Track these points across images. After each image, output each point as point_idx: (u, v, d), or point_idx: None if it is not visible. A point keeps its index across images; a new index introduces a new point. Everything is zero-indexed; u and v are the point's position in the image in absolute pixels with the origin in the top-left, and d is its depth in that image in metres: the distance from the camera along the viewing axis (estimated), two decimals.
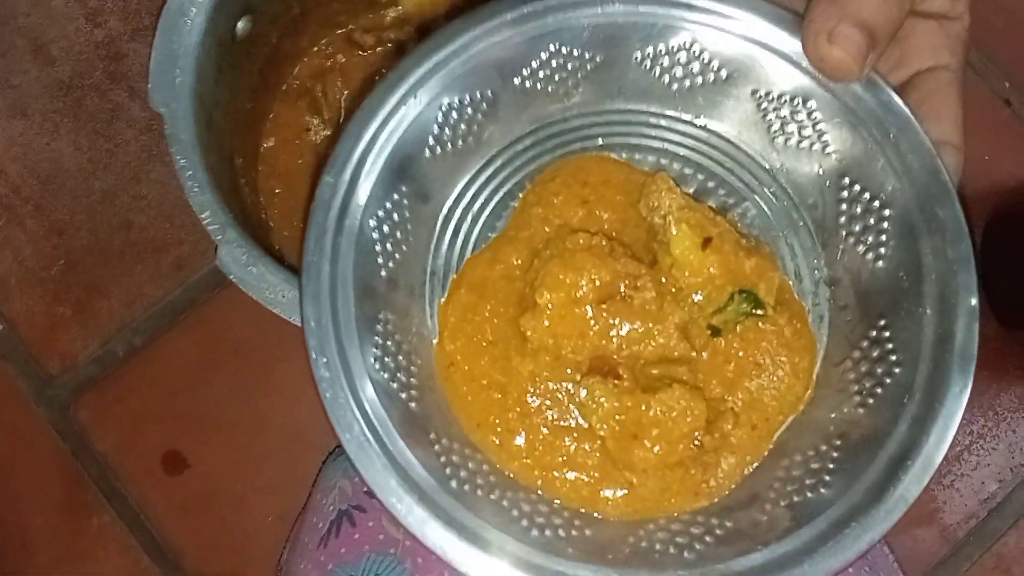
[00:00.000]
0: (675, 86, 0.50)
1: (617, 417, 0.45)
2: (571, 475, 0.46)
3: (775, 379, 0.47)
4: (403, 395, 0.45)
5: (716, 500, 0.46)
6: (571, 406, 0.47)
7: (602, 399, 0.45)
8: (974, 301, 0.43)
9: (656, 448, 0.44)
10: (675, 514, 0.46)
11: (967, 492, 0.86)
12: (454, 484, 0.43)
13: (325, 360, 0.43)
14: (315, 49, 0.79)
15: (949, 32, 0.48)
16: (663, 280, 0.47)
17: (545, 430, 0.46)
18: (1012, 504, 0.85)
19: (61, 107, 0.87)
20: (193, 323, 0.85)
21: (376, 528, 0.59)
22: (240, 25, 0.66)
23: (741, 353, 0.47)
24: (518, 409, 0.47)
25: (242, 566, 0.83)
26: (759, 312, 0.47)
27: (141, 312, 0.85)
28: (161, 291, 0.85)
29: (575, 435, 0.46)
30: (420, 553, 0.58)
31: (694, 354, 0.47)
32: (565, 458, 0.46)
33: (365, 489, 0.62)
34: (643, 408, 0.45)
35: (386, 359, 0.45)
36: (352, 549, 0.58)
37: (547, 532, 0.44)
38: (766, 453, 0.47)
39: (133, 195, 0.86)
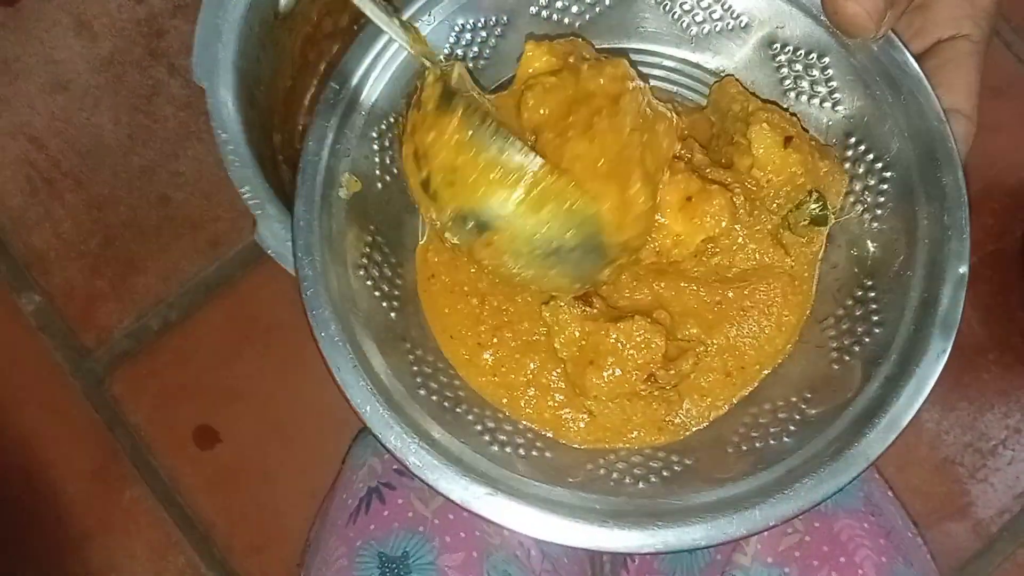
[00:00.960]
0: (693, 30, 0.49)
1: (580, 342, 0.45)
2: (535, 397, 0.46)
3: (757, 329, 0.47)
4: (384, 304, 0.45)
5: (680, 438, 0.46)
6: (542, 327, 0.47)
7: (567, 322, 0.45)
8: (963, 269, 0.42)
9: (608, 375, 0.44)
10: (637, 447, 0.46)
11: (1001, 487, 0.85)
12: (422, 392, 0.44)
13: (310, 259, 0.43)
14: (355, 28, 0.79)
15: (975, 3, 0.47)
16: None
17: (514, 347, 0.47)
18: None
19: (102, 83, 0.87)
20: (227, 299, 0.86)
21: (405, 506, 0.59)
22: (283, 2, 0.66)
23: (731, 295, 0.47)
24: (491, 322, 0.47)
25: (271, 541, 0.84)
26: (824, 215, 0.46)
27: (176, 287, 0.86)
28: (196, 267, 0.86)
29: (543, 357, 0.47)
30: (449, 531, 0.58)
31: (788, 260, 0.46)
32: (530, 378, 0.46)
33: (395, 467, 0.62)
34: (603, 335, 0.44)
35: (371, 268, 0.45)
36: (381, 526, 0.58)
37: (507, 449, 0.44)
38: (736, 400, 0.47)
39: (171, 171, 0.87)
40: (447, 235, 0.43)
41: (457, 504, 0.41)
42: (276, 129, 0.71)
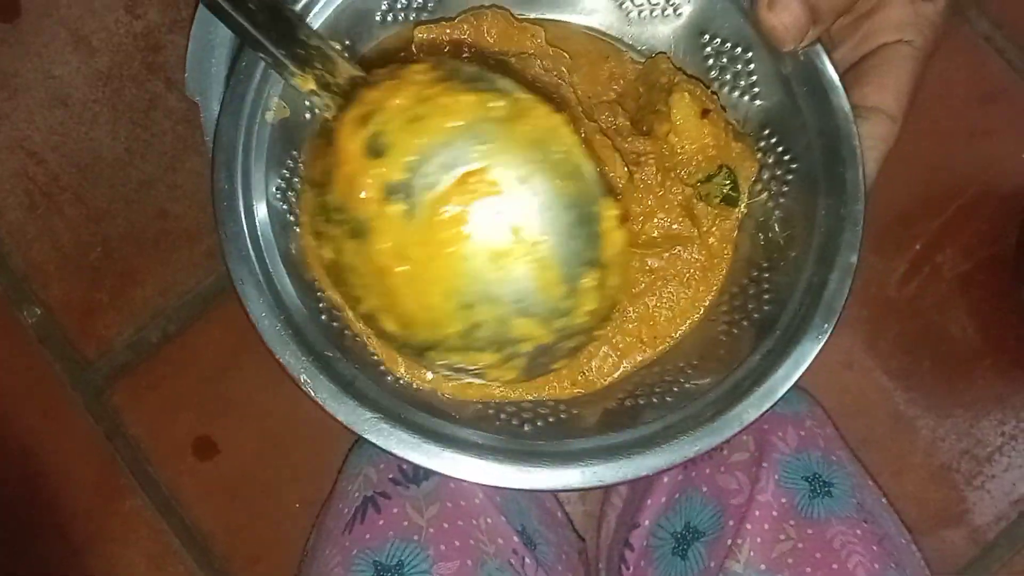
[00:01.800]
0: (632, 13, 0.52)
1: None
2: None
3: (674, 300, 0.49)
4: (295, 230, 0.46)
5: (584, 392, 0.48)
6: None
7: None
8: (854, 259, 0.45)
9: None
10: (544, 397, 0.48)
11: (997, 493, 0.85)
12: (324, 318, 0.45)
13: (226, 173, 0.44)
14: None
15: (920, 12, 0.49)
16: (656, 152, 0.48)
17: None
18: None
19: (100, 97, 0.88)
20: (225, 312, 0.87)
21: (400, 515, 0.60)
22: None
23: (654, 264, 0.49)
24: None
25: (269, 551, 0.84)
26: (735, 196, 0.49)
27: (175, 300, 0.86)
28: (194, 279, 0.87)
29: None
30: (444, 540, 0.58)
31: (695, 231, 0.48)
32: None
33: (391, 476, 0.63)
34: None
35: (289, 192, 0.46)
36: (376, 535, 0.59)
37: (401, 381, 0.46)
38: (639, 363, 0.49)
39: (169, 184, 0.87)
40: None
41: (344, 425, 0.42)
42: None
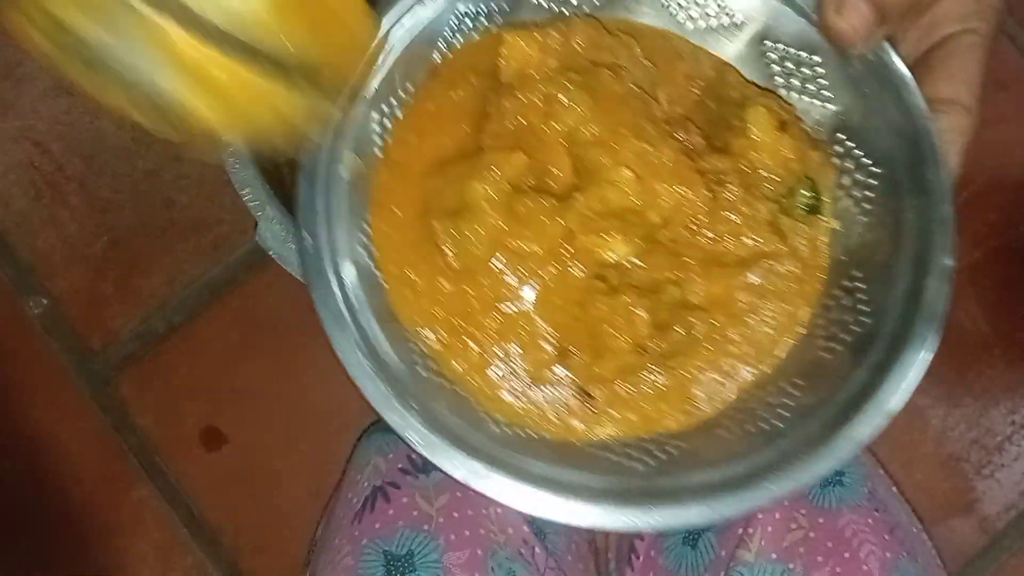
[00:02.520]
0: (689, 25, 0.50)
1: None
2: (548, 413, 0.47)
3: (773, 316, 0.48)
4: (384, 283, 0.46)
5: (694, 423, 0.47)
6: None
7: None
8: (949, 262, 0.43)
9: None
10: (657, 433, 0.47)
11: (1007, 483, 0.85)
12: (422, 372, 0.44)
13: (309, 234, 0.43)
14: None
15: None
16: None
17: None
18: None
19: None
20: (231, 301, 0.86)
21: (410, 504, 0.60)
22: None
23: (755, 282, 0.48)
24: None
25: (277, 541, 0.84)
26: (818, 205, 0.47)
27: (181, 290, 0.86)
28: (200, 269, 0.87)
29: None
30: (454, 530, 0.58)
31: (783, 247, 0.47)
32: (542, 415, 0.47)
33: (400, 466, 0.63)
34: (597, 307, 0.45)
35: (372, 247, 0.46)
36: (386, 524, 0.59)
37: (505, 429, 0.45)
38: (746, 386, 0.48)
39: (175, 174, 0.87)
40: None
41: (458, 481, 0.41)
42: None
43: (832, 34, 0.46)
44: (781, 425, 0.44)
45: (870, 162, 0.47)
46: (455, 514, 0.59)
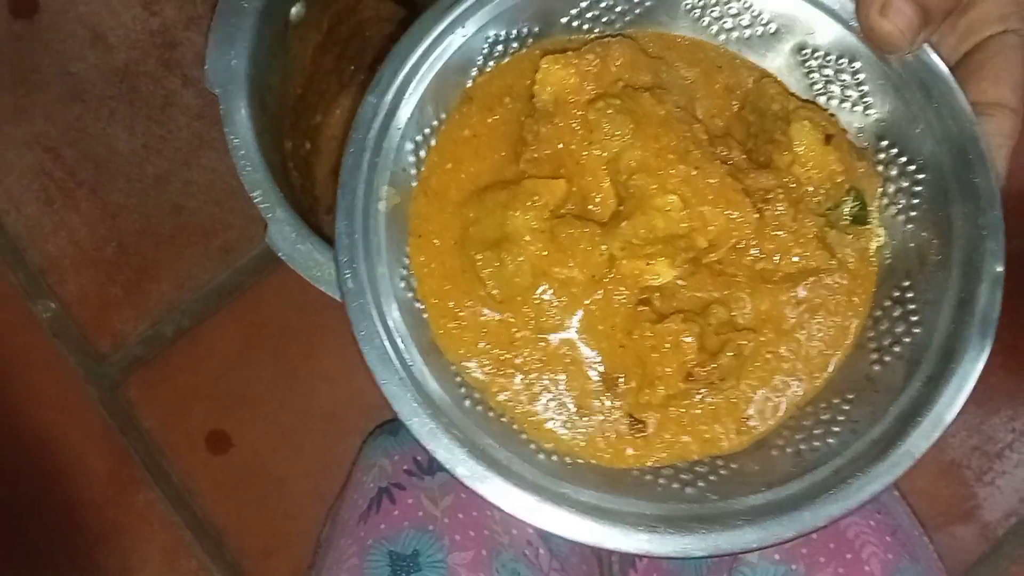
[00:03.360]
0: (722, 37, 0.49)
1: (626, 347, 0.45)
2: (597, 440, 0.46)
3: (823, 330, 0.47)
4: (426, 316, 0.45)
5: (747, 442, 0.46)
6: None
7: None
8: (1000, 268, 0.42)
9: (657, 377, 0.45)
10: (713, 454, 0.46)
11: (1008, 489, 0.85)
12: (467, 403, 0.44)
13: (351, 273, 0.43)
14: (367, 35, 0.80)
15: (1021, 0, 0.47)
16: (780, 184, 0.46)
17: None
18: None
19: (117, 93, 0.89)
20: (239, 306, 0.87)
21: (415, 505, 0.60)
22: (294, 11, 0.67)
23: (803, 295, 0.47)
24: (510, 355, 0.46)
25: (282, 544, 0.85)
26: (863, 215, 0.46)
27: (189, 294, 0.87)
28: (209, 274, 0.87)
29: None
30: (458, 530, 0.58)
31: (833, 262, 0.46)
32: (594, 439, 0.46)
33: (405, 468, 0.63)
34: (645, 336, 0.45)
35: (412, 280, 0.46)
36: (392, 525, 0.59)
37: (553, 458, 0.44)
38: (798, 403, 0.47)
39: (184, 180, 0.88)
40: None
41: (508, 514, 0.41)
42: (287, 135, 0.72)
43: (875, 37, 0.45)
44: (834, 443, 0.44)
45: (914, 168, 0.46)
46: (460, 515, 0.60)
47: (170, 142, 0.88)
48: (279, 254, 0.60)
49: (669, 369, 0.44)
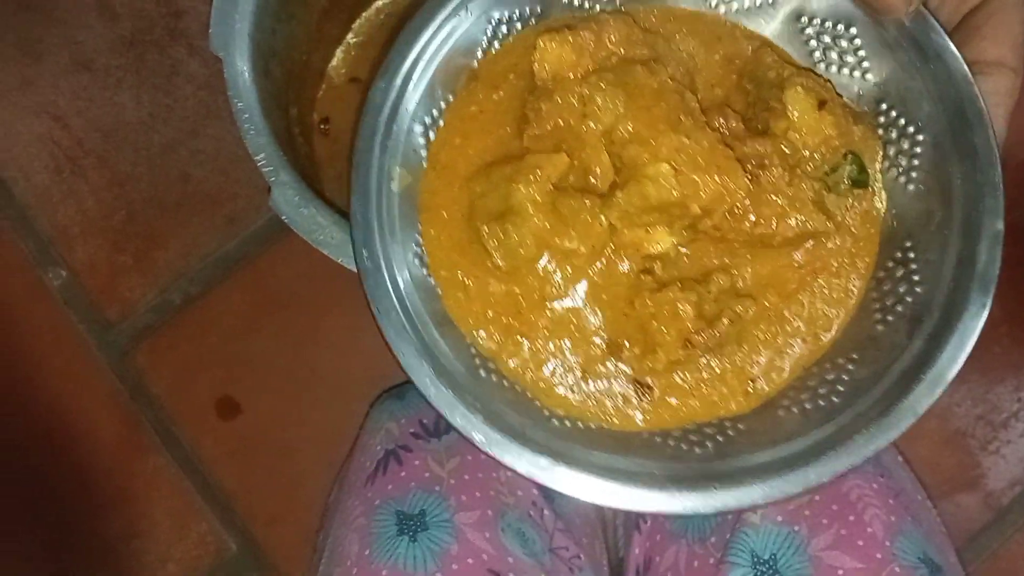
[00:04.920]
0: (722, 8, 0.50)
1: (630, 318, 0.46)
2: (606, 404, 0.47)
3: (828, 291, 0.47)
4: (439, 290, 0.47)
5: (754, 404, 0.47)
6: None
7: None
8: (999, 226, 0.43)
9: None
10: (720, 416, 0.47)
11: (1013, 459, 0.85)
12: (482, 373, 0.45)
13: (367, 251, 0.44)
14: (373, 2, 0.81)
15: None
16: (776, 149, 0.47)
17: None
18: None
19: (123, 62, 0.89)
20: (246, 274, 0.88)
21: (422, 467, 0.61)
22: None
23: (803, 259, 0.48)
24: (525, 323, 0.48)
25: (290, 509, 0.86)
26: (863, 178, 0.47)
27: (197, 262, 0.88)
28: (216, 242, 0.88)
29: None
30: (464, 491, 0.59)
31: (830, 225, 0.46)
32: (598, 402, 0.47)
33: (412, 430, 0.63)
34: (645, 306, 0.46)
35: (424, 256, 0.47)
36: (398, 486, 0.60)
37: (566, 423, 0.46)
38: (806, 365, 0.47)
39: (191, 149, 0.88)
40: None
41: (523, 476, 0.42)
42: (292, 102, 0.72)
43: (872, 1, 0.45)
44: (838, 401, 0.44)
45: (913, 130, 0.46)
46: (466, 476, 0.60)
47: (176, 111, 0.89)
48: (283, 217, 0.61)
49: (669, 336, 0.45)
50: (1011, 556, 0.85)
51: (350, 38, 0.81)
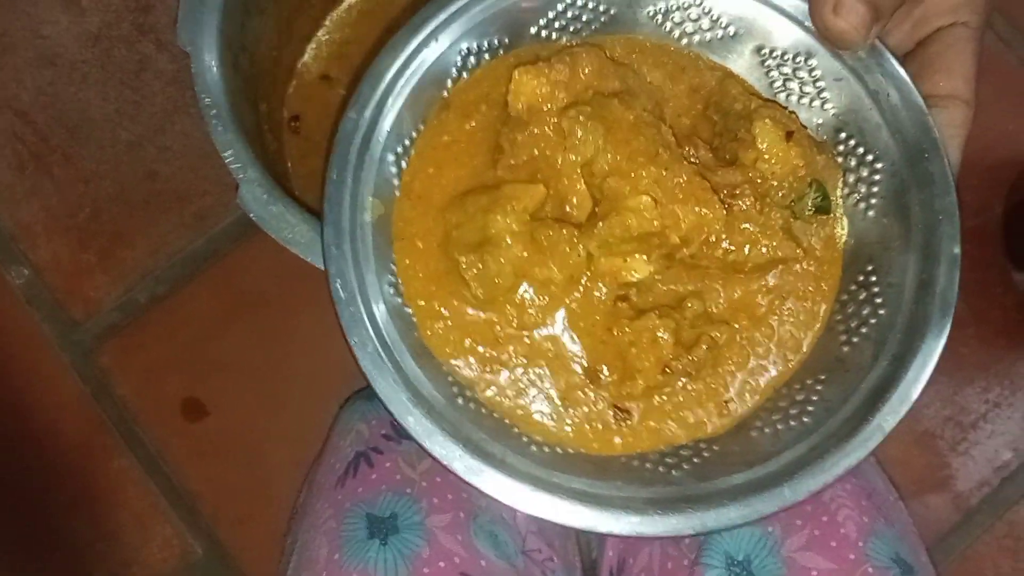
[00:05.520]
0: (684, 41, 0.51)
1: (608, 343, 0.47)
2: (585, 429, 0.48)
3: (794, 316, 0.49)
4: (414, 319, 0.47)
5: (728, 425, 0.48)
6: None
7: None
8: (956, 250, 0.45)
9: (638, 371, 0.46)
10: (696, 439, 0.48)
11: (981, 460, 0.86)
12: (460, 401, 0.46)
13: (341, 282, 0.45)
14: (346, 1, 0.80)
15: None
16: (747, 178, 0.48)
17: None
18: None
19: (90, 57, 0.88)
20: (214, 273, 0.86)
21: (393, 468, 0.60)
22: None
23: (773, 283, 0.49)
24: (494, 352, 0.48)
25: (258, 511, 0.84)
26: (826, 205, 0.48)
27: (164, 261, 0.86)
28: (184, 241, 0.87)
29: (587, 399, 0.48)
30: (436, 493, 0.58)
31: (799, 251, 0.48)
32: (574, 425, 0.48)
33: (383, 432, 0.63)
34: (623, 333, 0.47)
35: (400, 285, 0.47)
36: (369, 488, 0.59)
37: (545, 449, 0.46)
38: (776, 386, 0.49)
39: (158, 146, 0.87)
40: None
41: (505, 504, 0.43)
42: (261, 98, 0.71)
43: (830, 35, 0.46)
44: (809, 421, 0.46)
45: (872, 158, 0.48)
46: (438, 478, 0.60)
47: (144, 107, 0.87)
48: (250, 215, 0.60)
49: (647, 363, 0.46)
50: (979, 557, 0.85)
51: (321, 34, 0.80)
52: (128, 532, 0.85)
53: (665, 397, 0.47)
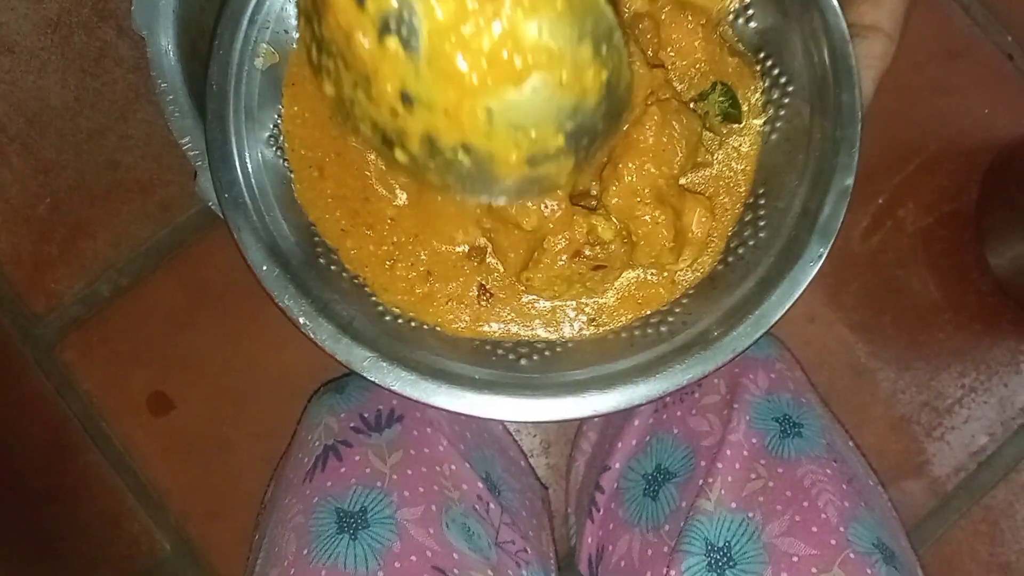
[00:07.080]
0: None
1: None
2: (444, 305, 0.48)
3: (707, 215, 0.49)
4: (291, 174, 0.46)
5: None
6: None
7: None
8: (849, 181, 0.44)
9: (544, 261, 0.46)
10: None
11: (957, 445, 0.85)
12: (322, 261, 0.45)
13: (219, 122, 0.44)
14: None
15: None
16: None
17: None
18: (1002, 458, 0.85)
19: (49, 44, 0.85)
20: (179, 264, 0.85)
21: (363, 462, 0.59)
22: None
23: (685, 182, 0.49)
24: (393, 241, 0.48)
25: (227, 507, 0.83)
26: (735, 113, 0.48)
27: (127, 252, 0.84)
28: (147, 231, 0.85)
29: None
30: (407, 486, 0.57)
31: (708, 156, 0.48)
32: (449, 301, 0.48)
33: (352, 425, 0.61)
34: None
35: (280, 138, 0.46)
36: (338, 482, 0.58)
37: (399, 321, 0.46)
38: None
39: (120, 135, 0.85)
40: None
41: (343, 364, 0.43)
42: None
43: None
44: (665, 330, 0.46)
45: (785, 80, 0.48)
46: (409, 471, 0.58)
47: (105, 95, 0.85)
48: (209, 204, 0.58)
49: (559, 246, 0.45)
50: (955, 542, 0.85)
51: None
52: (95, 530, 0.83)
53: (540, 295, 0.47)
